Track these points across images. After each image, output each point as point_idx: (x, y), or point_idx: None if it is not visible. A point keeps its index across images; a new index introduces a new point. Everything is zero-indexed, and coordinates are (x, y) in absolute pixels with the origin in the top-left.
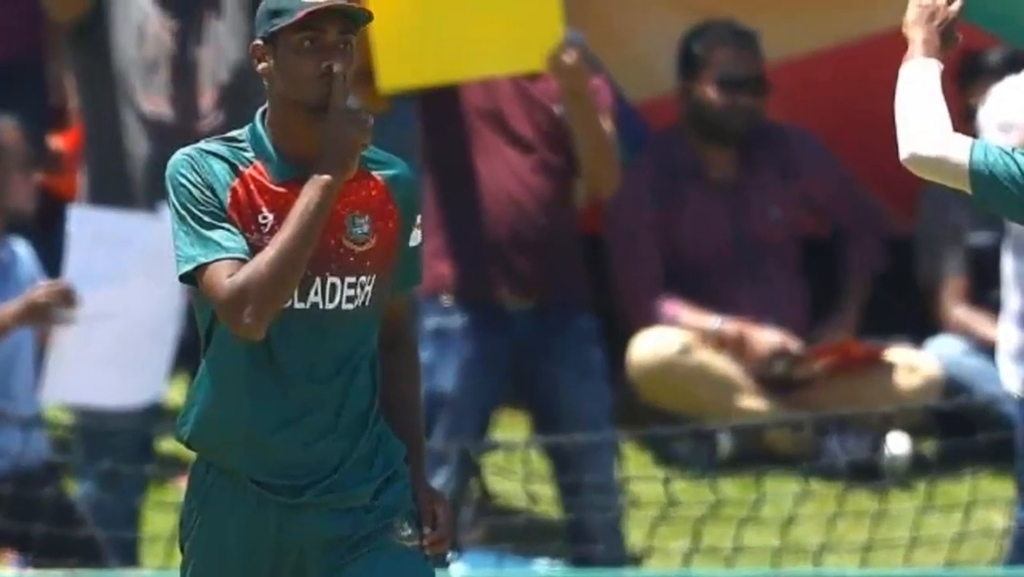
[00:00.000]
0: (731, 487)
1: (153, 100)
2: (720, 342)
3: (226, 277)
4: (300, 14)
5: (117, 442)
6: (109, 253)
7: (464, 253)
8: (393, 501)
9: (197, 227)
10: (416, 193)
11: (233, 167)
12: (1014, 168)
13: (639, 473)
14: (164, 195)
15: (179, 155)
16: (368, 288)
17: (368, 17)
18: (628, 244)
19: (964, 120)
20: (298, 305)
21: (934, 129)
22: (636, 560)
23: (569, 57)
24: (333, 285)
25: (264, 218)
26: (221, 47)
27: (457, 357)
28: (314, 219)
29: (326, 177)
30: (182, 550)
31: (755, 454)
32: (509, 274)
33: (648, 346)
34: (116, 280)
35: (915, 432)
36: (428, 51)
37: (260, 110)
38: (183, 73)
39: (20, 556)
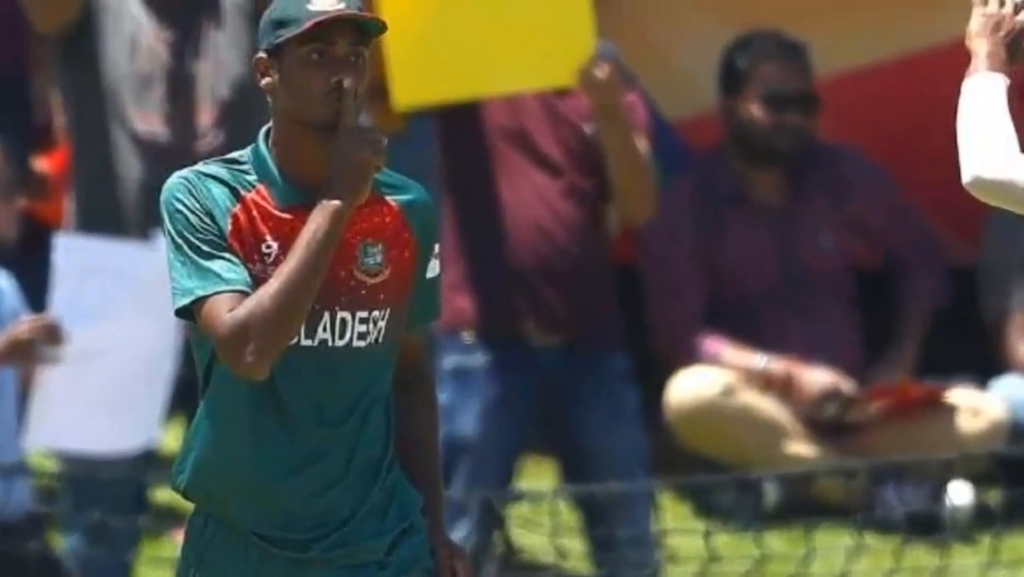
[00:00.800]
0: (778, 541)
1: (147, 118)
2: (766, 382)
3: (226, 311)
4: (307, 24)
5: (107, 492)
6: (99, 285)
7: (486, 285)
8: (409, 556)
9: (195, 257)
10: (434, 219)
11: (234, 191)
12: None
13: (677, 525)
14: (159, 222)
15: (175, 178)
16: (381, 323)
17: (382, 28)
18: (665, 275)
19: None
20: (305, 342)
21: (999, 150)
22: None
23: (601, 71)
24: (343, 320)
25: (268, 247)
26: (221, 60)
27: (479, 398)
28: (322, 248)
29: (335, 202)
30: None
31: (804, 505)
32: (536, 308)
33: (687, 387)
34: (106, 315)
35: (979, 481)
36: (447, 65)
37: (264, 129)
38: (179, 88)
39: None
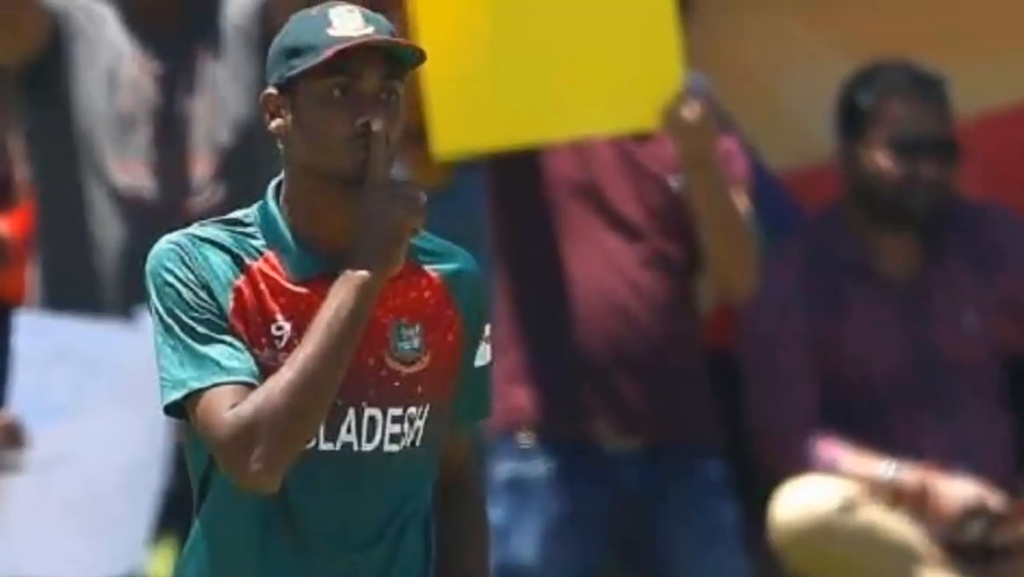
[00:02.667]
0: None
1: (129, 168)
2: (895, 496)
3: (228, 408)
4: (328, 53)
5: None
6: (69, 375)
7: (549, 376)
8: None
9: (189, 340)
10: (484, 294)
11: (237, 260)
12: None
13: None
14: (143, 297)
15: (164, 244)
16: (419, 423)
17: (419, 57)
18: (771, 364)
19: None
20: (325, 446)
21: None
22: None
23: (691, 111)
24: (372, 419)
25: (279, 328)
26: (220, 97)
27: (540, 516)
28: (347, 330)
29: (363, 273)
30: None
31: None
32: (609, 404)
33: (798, 501)
34: (79, 411)
35: None
36: (499, 104)
37: (273, 183)
38: (169, 132)
39: None
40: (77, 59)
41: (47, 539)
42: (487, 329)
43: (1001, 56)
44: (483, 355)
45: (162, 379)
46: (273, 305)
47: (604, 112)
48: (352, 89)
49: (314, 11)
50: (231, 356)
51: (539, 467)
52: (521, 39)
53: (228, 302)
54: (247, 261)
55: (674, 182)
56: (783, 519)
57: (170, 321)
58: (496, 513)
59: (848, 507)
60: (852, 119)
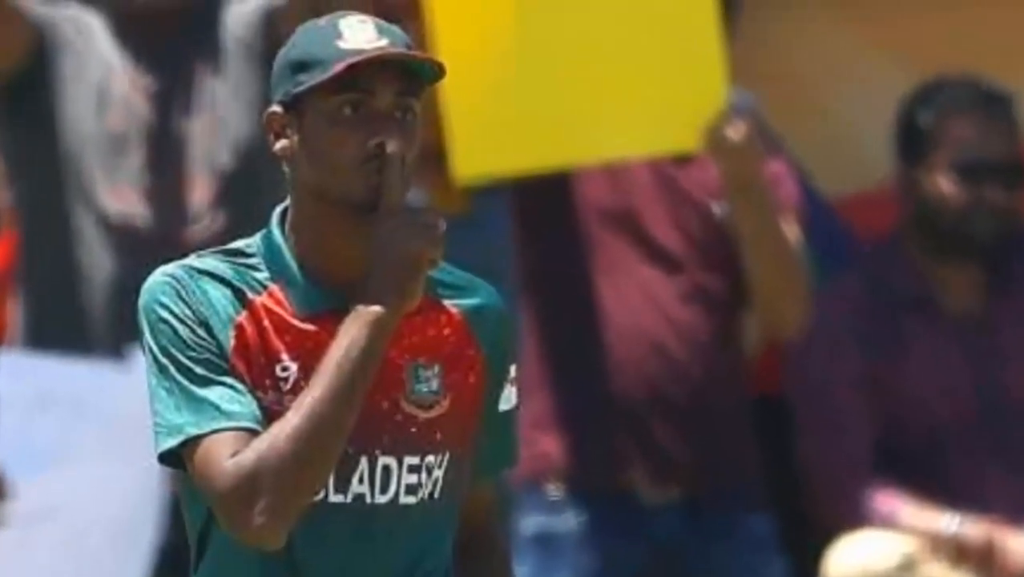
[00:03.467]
0: None
1: (120, 194)
2: (959, 552)
3: (228, 456)
4: (338, 67)
5: None
6: (56, 420)
7: (580, 420)
8: None
9: (185, 382)
10: (509, 332)
11: (238, 294)
12: None
13: None
14: (136, 335)
15: (159, 277)
16: (438, 472)
17: (438, 72)
18: (823, 408)
19: None
20: (335, 497)
21: None
22: None
23: (736, 131)
24: (386, 468)
25: (284, 369)
26: (220, 116)
27: (570, 573)
28: (359, 371)
29: (376, 309)
30: None
31: None
32: (646, 451)
33: (853, 558)
34: (66, 461)
35: None
36: (526, 123)
37: (278, 210)
38: (165, 155)
39: None
40: (64, 74)
41: None
42: (512, 370)
43: None
44: (508, 398)
45: (156, 425)
46: (278, 343)
47: (640, 132)
48: (364, 107)
49: (323, 22)
50: (232, 399)
51: (569, 521)
52: (549, 51)
53: (229, 340)
54: (249, 295)
55: (717, 209)
56: None
57: (165, 361)
58: (522, 571)
59: (908, 564)
60: (912, 140)
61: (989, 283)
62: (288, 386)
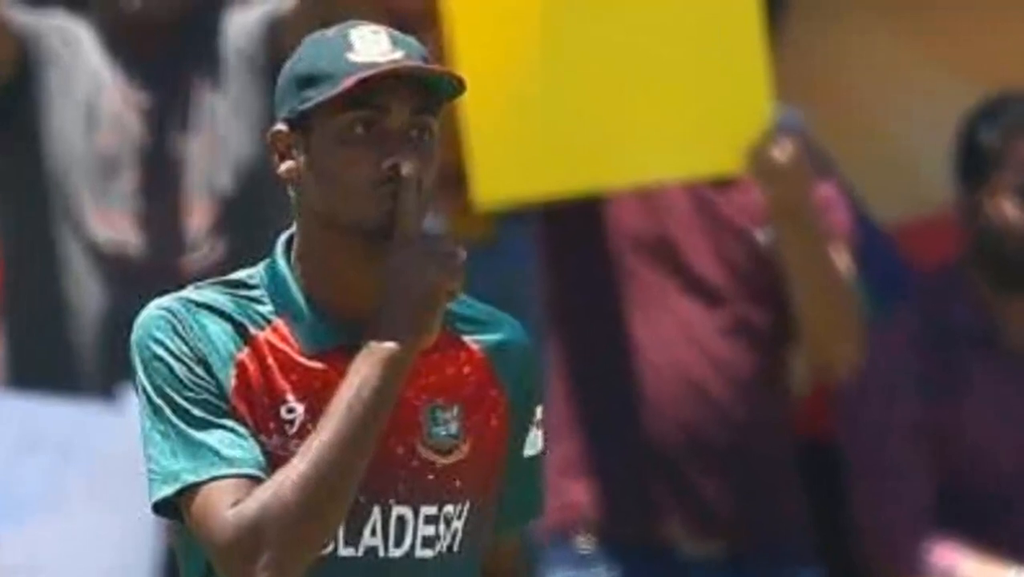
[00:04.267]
0: None
1: (111, 220)
2: None
3: (229, 506)
4: (348, 82)
5: None
6: (42, 466)
7: (612, 467)
8: None
9: (182, 425)
10: (534, 370)
11: (240, 329)
12: None
13: None
14: (128, 374)
15: (154, 310)
16: (457, 523)
17: (457, 87)
18: (877, 454)
19: None
20: (344, 551)
21: None
22: None
23: (782, 152)
24: (401, 519)
25: (290, 411)
26: (220, 136)
27: None
28: (371, 413)
29: (390, 346)
30: None
31: None
32: (684, 501)
33: None
34: (53, 509)
35: None
36: (553, 143)
37: (283, 238)
38: (159, 177)
39: None
40: (49, 90)
41: None
42: (538, 412)
43: None
44: (534, 443)
45: (150, 471)
46: (283, 383)
47: (677, 153)
48: (377, 125)
49: (332, 32)
50: (233, 444)
51: (601, 576)
52: (578, 64)
53: (229, 379)
54: (252, 330)
55: (761, 237)
56: None
57: (160, 402)
58: None
59: None
60: (974, 161)
61: None
62: (294, 429)
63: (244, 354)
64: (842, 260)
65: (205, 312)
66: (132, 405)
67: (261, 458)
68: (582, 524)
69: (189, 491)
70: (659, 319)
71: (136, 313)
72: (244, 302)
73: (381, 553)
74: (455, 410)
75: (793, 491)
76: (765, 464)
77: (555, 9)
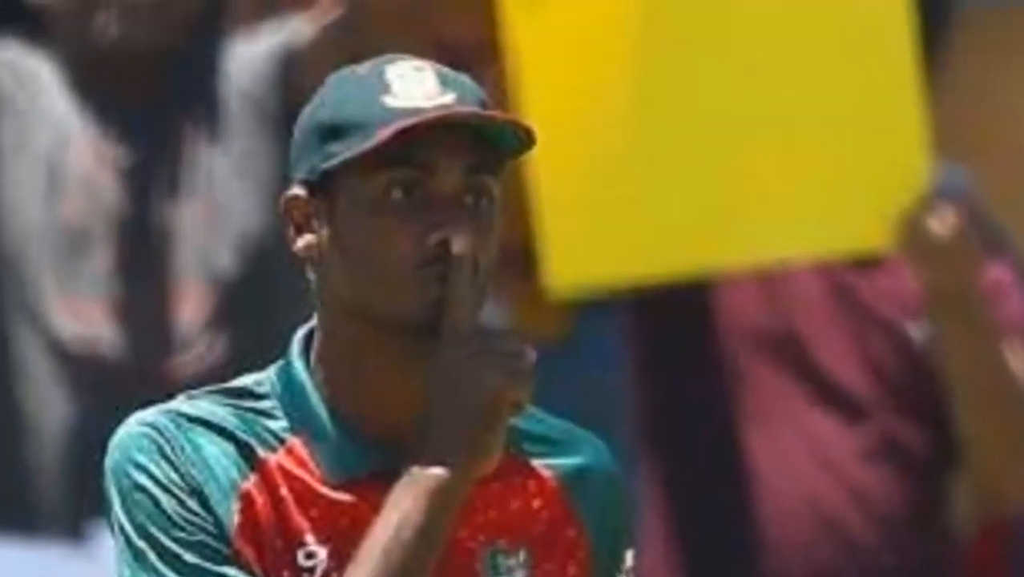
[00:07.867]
0: None
1: (79, 310)
2: None
3: None
4: (384, 133)
5: None
6: None
7: None
8: None
9: (170, 574)
10: (623, 503)
11: (246, 451)
12: None
13: None
14: (101, 508)
15: (135, 427)
16: None
17: (525, 140)
18: None
19: None
20: None
21: None
22: None
23: (942, 224)
24: None
25: (309, 556)
26: (220, 203)
27: None
28: (413, 560)
29: (438, 472)
30: None
31: None
32: None
33: None
34: None
35: None
36: (645, 214)
37: (301, 333)
38: (141, 256)
39: None
40: (1, 144)
41: None
42: (629, 557)
43: None
44: None
45: None
46: (300, 520)
47: (807, 226)
48: (421, 189)
49: (364, 70)
50: None
51: None
52: (679, 112)
53: (232, 515)
54: (260, 453)
55: (915, 332)
56: None
57: (142, 545)
58: None
59: None
60: None
61: None
62: None
63: (250, 483)
64: (1017, 362)
65: (201, 429)
66: (106, 548)
67: None
68: None
69: None
70: (783, 436)
71: (111, 431)
72: (251, 416)
73: None
74: (521, 556)
75: None
76: None
77: (650, 40)
